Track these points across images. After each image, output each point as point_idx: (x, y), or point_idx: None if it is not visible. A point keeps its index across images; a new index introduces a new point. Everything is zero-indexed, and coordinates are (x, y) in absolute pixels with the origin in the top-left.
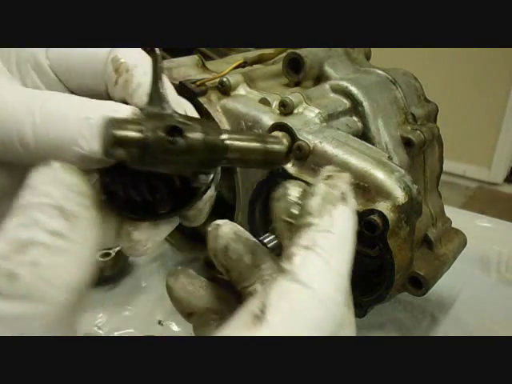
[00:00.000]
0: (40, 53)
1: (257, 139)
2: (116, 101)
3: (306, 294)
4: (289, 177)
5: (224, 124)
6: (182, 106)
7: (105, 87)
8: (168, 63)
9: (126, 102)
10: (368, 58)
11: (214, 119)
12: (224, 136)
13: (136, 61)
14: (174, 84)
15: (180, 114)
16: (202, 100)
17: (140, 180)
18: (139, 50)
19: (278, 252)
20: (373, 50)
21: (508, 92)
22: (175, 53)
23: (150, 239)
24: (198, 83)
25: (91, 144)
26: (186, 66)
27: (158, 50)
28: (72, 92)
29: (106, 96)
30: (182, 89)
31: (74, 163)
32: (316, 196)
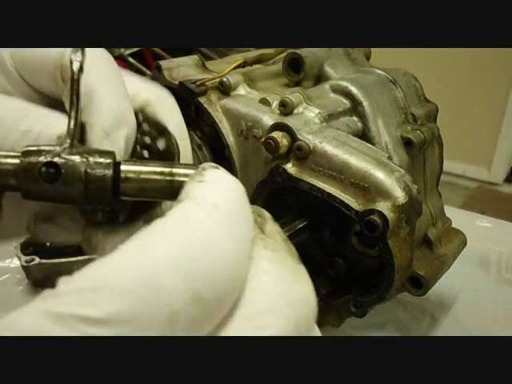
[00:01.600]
0: (5, 53)
1: (162, 173)
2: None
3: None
4: (289, 177)
5: (224, 124)
6: (142, 96)
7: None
8: (168, 63)
9: None
10: (368, 58)
11: (214, 119)
12: (133, 167)
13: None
14: (173, 84)
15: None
16: (201, 100)
17: None
18: (92, 51)
19: None
20: (373, 50)
21: (508, 92)
22: (175, 53)
23: (103, 244)
24: (198, 83)
25: None
26: (186, 66)
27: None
28: (36, 91)
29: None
30: (182, 89)
31: None
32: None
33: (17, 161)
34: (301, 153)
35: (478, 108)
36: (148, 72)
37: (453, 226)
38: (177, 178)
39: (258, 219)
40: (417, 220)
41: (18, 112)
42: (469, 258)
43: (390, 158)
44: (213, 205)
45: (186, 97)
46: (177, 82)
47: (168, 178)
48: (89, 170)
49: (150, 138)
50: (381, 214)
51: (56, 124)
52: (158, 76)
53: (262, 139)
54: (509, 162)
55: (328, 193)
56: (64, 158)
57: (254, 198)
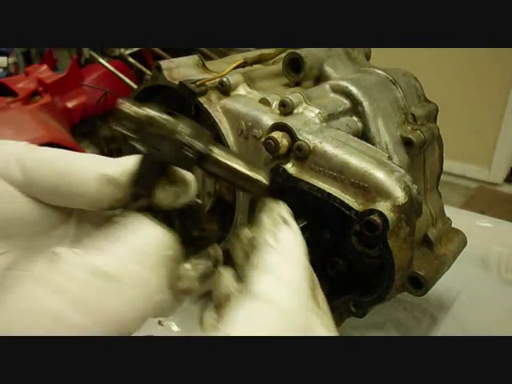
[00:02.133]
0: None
1: (244, 165)
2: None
3: (264, 308)
4: (289, 177)
5: (224, 124)
6: None
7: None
8: (168, 63)
9: None
10: (368, 58)
11: (214, 119)
12: (211, 147)
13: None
14: (173, 84)
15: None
16: (201, 100)
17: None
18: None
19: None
20: (373, 50)
21: (508, 92)
22: (175, 53)
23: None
24: (198, 83)
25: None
26: (186, 66)
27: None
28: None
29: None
30: (182, 89)
31: (94, 192)
32: (260, 223)
33: None
34: (301, 153)
35: (478, 108)
36: (148, 72)
37: (453, 225)
38: (253, 178)
39: (310, 284)
40: (417, 220)
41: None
42: (469, 258)
43: (389, 157)
44: (278, 307)
45: (186, 97)
46: (177, 82)
47: (247, 174)
48: (193, 137)
49: None
50: (381, 214)
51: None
52: (158, 76)
53: (262, 139)
54: (509, 162)
55: (328, 193)
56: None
57: (255, 198)
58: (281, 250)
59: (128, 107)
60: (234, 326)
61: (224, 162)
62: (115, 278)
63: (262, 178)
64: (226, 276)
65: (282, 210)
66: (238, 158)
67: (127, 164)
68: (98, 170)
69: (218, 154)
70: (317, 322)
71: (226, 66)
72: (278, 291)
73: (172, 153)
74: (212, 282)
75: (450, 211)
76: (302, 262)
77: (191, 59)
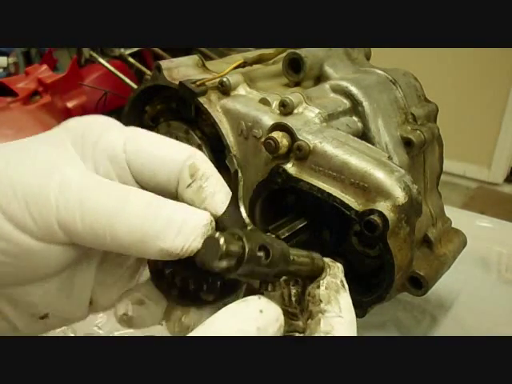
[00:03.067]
0: (118, 145)
1: (308, 256)
2: (182, 201)
3: None
4: (289, 177)
5: (224, 124)
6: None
7: (175, 187)
8: (168, 63)
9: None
10: (368, 58)
11: (214, 119)
12: (291, 251)
13: (211, 172)
14: (173, 84)
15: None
16: (201, 100)
17: (194, 271)
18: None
19: None
20: (373, 50)
21: (508, 92)
22: (175, 53)
23: (195, 324)
24: (198, 83)
25: (174, 241)
26: (185, 66)
27: (239, 173)
28: (141, 186)
29: (172, 195)
30: (182, 89)
31: (151, 256)
32: (323, 286)
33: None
34: (301, 153)
35: (478, 108)
36: (148, 72)
37: (453, 226)
38: (316, 262)
39: None
40: (417, 220)
41: (150, 201)
42: (469, 258)
43: (389, 157)
44: None
45: (186, 97)
46: (177, 82)
47: (311, 260)
48: (284, 250)
49: None
50: (381, 214)
51: (199, 213)
52: (158, 76)
53: (262, 139)
54: (509, 162)
55: (328, 193)
56: (268, 243)
57: (254, 198)
58: (343, 317)
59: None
60: None
61: (300, 262)
62: None
63: (321, 263)
64: None
65: (341, 273)
66: (301, 252)
67: None
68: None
69: (295, 256)
70: None
71: (226, 66)
72: None
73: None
74: None
75: (449, 211)
76: (354, 321)
77: (191, 59)
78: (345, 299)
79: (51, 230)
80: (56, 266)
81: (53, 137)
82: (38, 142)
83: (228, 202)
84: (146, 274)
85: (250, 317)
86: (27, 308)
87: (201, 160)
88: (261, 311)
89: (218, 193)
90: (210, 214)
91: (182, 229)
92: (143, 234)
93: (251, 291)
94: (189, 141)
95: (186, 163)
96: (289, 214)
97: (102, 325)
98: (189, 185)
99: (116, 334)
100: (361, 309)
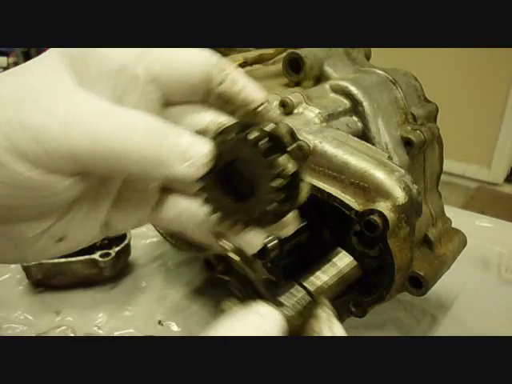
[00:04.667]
0: (131, 63)
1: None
2: (216, 99)
3: None
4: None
5: None
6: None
7: (201, 94)
8: None
9: (222, 108)
10: (368, 58)
11: None
12: None
13: (234, 68)
14: None
15: None
16: None
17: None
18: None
19: None
20: (373, 49)
21: (508, 92)
22: None
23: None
24: None
25: (179, 170)
26: None
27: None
28: (166, 100)
29: (203, 96)
30: None
31: (158, 180)
32: (319, 316)
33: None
34: (301, 153)
35: (478, 108)
36: None
37: (453, 226)
38: None
39: None
40: (417, 220)
41: (155, 128)
42: (469, 258)
43: (389, 157)
44: None
45: None
46: None
47: None
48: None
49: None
50: (381, 214)
51: (201, 143)
52: None
53: None
54: (509, 162)
55: (328, 193)
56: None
57: None
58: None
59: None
60: None
61: None
62: None
63: None
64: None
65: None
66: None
67: None
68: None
69: None
70: None
71: None
72: None
73: None
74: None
75: (449, 211)
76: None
77: None
78: (337, 326)
79: (61, 162)
80: (68, 197)
81: (48, 64)
82: (33, 73)
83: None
84: (169, 204)
85: (252, 322)
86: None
87: (221, 59)
88: (261, 316)
89: (249, 83)
90: (210, 144)
91: (186, 158)
92: (149, 164)
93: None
94: None
95: (213, 62)
96: None
97: (102, 325)
98: (222, 80)
99: (116, 334)
100: (361, 309)
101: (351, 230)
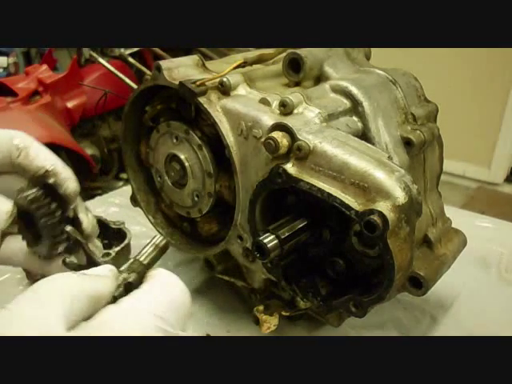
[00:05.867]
0: None
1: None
2: (17, 168)
3: None
4: (289, 177)
5: (224, 124)
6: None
7: (11, 161)
8: (168, 63)
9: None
10: (368, 58)
11: (214, 119)
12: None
13: (29, 142)
14: (173, 84)
15: None
16: (201, 100)
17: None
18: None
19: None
20: (373, 50)
21: (508, 92)
22: (175, 53)
23: None
24: (197, 83)
25: None
26: (185, 66)
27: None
28: None
29: (11, 165)
30: (182, 89)
31: None
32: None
33: None
34: (301, 153)
35: (477, 108)
36: (148, 72)
37: (453, 226)
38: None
39: None
40: (417, 220)
41: None
42: (469, 258)
43: (390, 157)
44: None
45: (186, 97)
46: (177, 82)
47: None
48: None
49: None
50: (381, 214)
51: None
52: (158, 76)
53: (262, 139)
54: (509, 162)
55: (328, 193)
56: None
57: (254, 198)
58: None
59: None
60: None
61: None
62: None
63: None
64: None
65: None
66: None
67: None
68: None
69: None
70: None
71: (225, 66)
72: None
73: None
74: None
75: (450, 211)
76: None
77: (191, 59)
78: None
79: None
80: None
81: None
82: None
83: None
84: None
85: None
86: None
87: (20, 137)
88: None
89: (40, 152)
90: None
91: None
92: None
93: None
94: (189, 141)
95: (13, 142)
96: (289, 214)
97: None
98: (18, 156)
99: None
100: (361, 309)
101: (351, 230)
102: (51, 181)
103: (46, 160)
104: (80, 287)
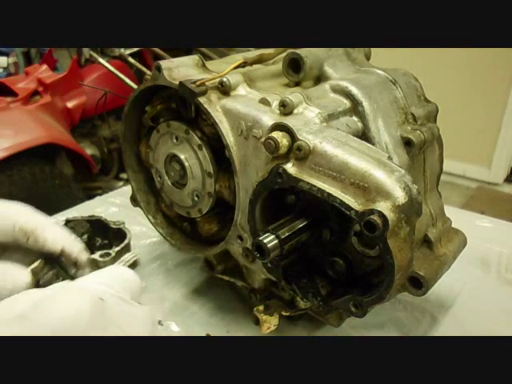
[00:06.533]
0: None
1: None
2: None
3: None
4: (289, 177)
5: (224, 124)
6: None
7: (16, 243)
8: (168, 63)
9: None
10: (368, 58)
11: (214, 119)
12: None
13: (35, 223)
14: (173, 84)
15: None
16: (201, 100)
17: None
18: (31, 215)
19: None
20: (373, 50)
21: (508, 92)
22: (175, 53)
23: None
24: (197, 83)
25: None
26: (186, 66)
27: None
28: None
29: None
30: (182, 89)
31: None
32: None
33: None
34: (301, 153)
35: (478, 108)
36: (148, 72)
37: (453, 226)
38: None
39: None
40: (417, 220)
41: None
42: (469, 258)
43: (389, 157)
44: None
45: (186, 97)
46: (177, 82)
47: None
48: None
49: None
50: (381, 214)
51: (24, 274)
52: (158, 76)
53: (262, 139)
54: (509, 162)
55: (328, 193)
56: None
57: (254, 198)
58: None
59: None
60: None
61: None
62: None
63: None
64: None
65: None
66: None
67: None
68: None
69: None
70: None
71: (225, 66)
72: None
73: None
74: None
75: (450, 211)
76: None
77: (191, 59)
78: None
79: None
80: None
81: None
82: None
83: (63, 231)
84: None
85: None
86: None
87: (24, 220)
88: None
89: (48, 234)
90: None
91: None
92: None
93: None
94: (189, 141)
95: (16, 229)
96: (289, 214)
97: None
98: (27, 241)
99: None
100: (361, 309)
101: (351, 230)
102: (64, 259)
103: (56, 243)
104: None
